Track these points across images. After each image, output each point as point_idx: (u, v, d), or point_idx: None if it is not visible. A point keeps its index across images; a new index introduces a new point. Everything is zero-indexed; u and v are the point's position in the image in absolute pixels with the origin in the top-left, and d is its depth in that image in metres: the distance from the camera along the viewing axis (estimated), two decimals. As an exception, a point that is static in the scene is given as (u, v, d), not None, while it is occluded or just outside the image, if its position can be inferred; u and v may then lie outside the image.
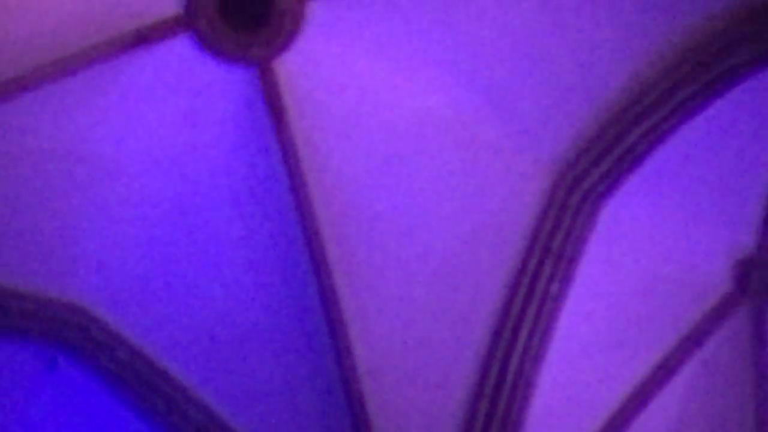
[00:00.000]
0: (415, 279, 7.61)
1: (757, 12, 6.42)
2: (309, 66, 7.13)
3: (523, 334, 7.53)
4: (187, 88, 7.21)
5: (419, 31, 7.02)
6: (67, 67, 6.98)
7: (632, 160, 7.20)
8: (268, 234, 7.62)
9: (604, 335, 7.80)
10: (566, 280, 7.47)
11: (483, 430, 7.63)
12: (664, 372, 8.12)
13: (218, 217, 7.63)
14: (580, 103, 7.14)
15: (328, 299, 7.53)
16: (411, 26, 6.99)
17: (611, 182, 7.29)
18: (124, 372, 7.93)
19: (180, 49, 7.06)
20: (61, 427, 8.51)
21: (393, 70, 7.13)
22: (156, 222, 7.63)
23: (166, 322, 7.95)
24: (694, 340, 8.15)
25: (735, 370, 8.50)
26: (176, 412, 7.98)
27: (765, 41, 6.49)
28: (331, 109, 7.24)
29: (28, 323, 7.77)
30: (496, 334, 7.58)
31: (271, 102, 7.15)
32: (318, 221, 7.40)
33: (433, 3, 6.89)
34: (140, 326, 7.91)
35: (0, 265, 7.55)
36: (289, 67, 7.09)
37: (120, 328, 7.88)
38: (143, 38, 7.03)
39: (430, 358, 7.72)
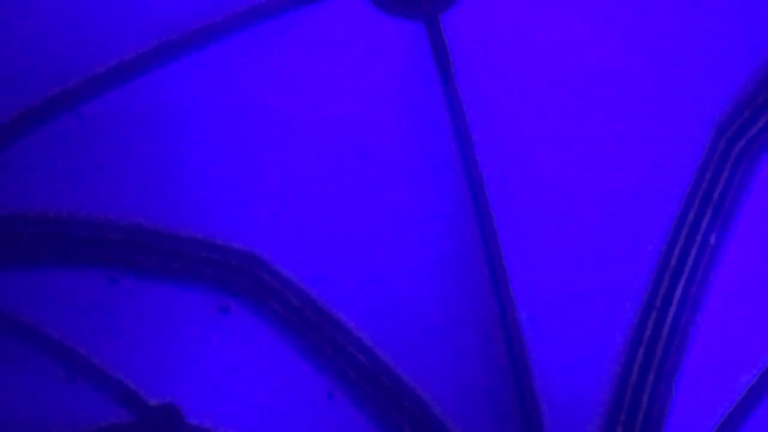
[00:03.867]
0: (575, 229, 7.64)
1: None
2: (473, 21, 7.02)
3: (681, 283, 7.55)
4: (356, 44, 7.22)
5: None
6: (242, 22, 6.97)
7: None
8: (432, 183, 7.66)
9: (759, 286, 7.73)
10: (725, 230, 7.40)
11: (640, 376, 7.69)
12: None
13: (384, 168, 7.65)
14: (741, 58, 7.00)
15: (491, 248, 7.62)
16: None
17: None
18: (292, 318, 8.18)
19: (350, 5, 7.00)
20: (231, 369, 8.81)
21: (557, 27, 7.03)
22: (326, 173, 7.69)
23: (336, 271, 8.15)
24: None
25: None
26: (343, 356, 8.24)
27: None
28: (494, 62, 7.17)
29: (203, 269, 8.03)
30: (655, 283, 7.64)
31: (438, 56, 7.10)
32: (481, 170, 7.41)
33: None
34: (311, 274, 8.12)
35: (177, 213, 7.78)
36: (454, 22, 7.00)
37: (292, 276, 8.10)
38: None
39: (589, 307, 7.80)
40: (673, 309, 7.61)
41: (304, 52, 7.24)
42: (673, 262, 7.57)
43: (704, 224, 7.43)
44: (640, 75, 7.14)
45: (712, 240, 7.41)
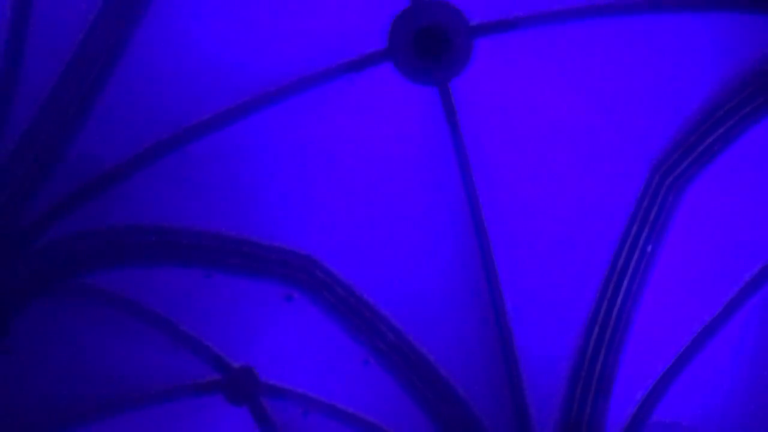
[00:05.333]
0: (548, 240, 7.93)
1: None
2: (476, 86, 7.35)
3: (626, 280, 7.80)
4: (385, 103, 7.57)
5: (554, 65, 7.21)
6: (303, 85, 7.35)
7: (710, 156, 7.28)
8: (442, 206, 7.95)
9: (684, 284, 7.96)
10: (658, 242, 7.65)
11: (595, 346, 7.94)
12: (728, 313, 8.17)
13: (406, 197, 8.01)
14: (672, 115, 7.29)
15: (486, 257, 7.91)
16: (549, 61, 7.19)
17: (695, 171, 7.39)
18: (339, 304, 8.42)
19: (382, 74, 7.37)
20: (293, 341, 9.07)
21: (536, 90, 7.33)
22: (363, 198, 8.04)
23: (371, 271, 8.40)
24: (748, 293, 8.15)
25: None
26: (375, 333, 8.46)
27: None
28: (491, 118, 7.49)
29: (273, 267, 8.26)
30: (606, 280, 7.89)
31: (448, 113, 7.46)
32: (479, 198, 7.72)
33: (565, 48, 7.08)
34: (353, 273, 8.37)
35: (255, 226, 8.09)
36: (461, 87, 7.35)
37: (338, 272, 8.36)
38: (354, 69, 7.37)
39: (558, 297, 8.05)
40: (619, 299, 7.84)
41: (348, 105, 7.57)
42: (620, 264, 7.82)
43: (643, 237, 7.69)
44: (597, 128, 7.47)
45: (649, 249, 7.69)
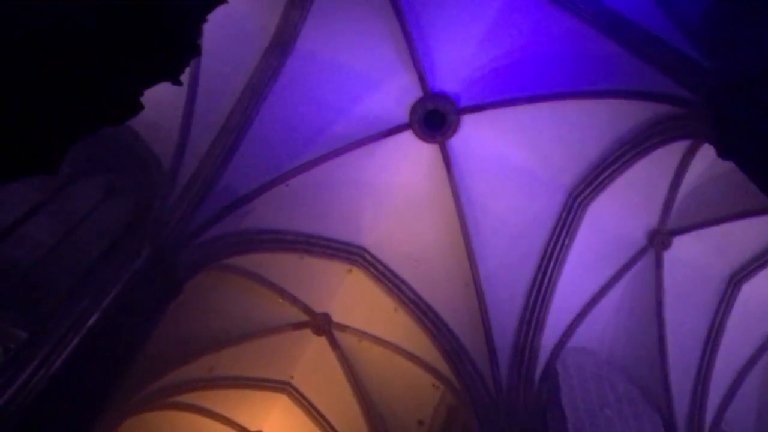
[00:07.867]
0: (506, 236, 8.70)
1: (659, 119, 7.03)
2: (463, 145, 8.35)
3: (552, 261, 8.62)
4: (407, 155, 8.55)
5: (510, 130, 8.06)
6: (353, 145, 8.29)
7: (602, 187, 8.24)
8: (442, 218, 8.78)
9: (587, 266, 8.81)
10: (571, 238, 8.57)
11: (534, 301, 8.58)
12: (608, 287, 9.00)
13: (419, 213, 8.85)
14: (581, 162, 8.16)
15: (467, 245, 8.65)
16: (507, 128, 8.05)
17: (593, 196, 8.36)
18: (380, 275, 9.26)
19: (405, 138, 8.38)
20: (355, 298, 9.53)
21: (499, 146, 8.25)
22: (394, 212, 8.88)
23: (398, 254, 9.14)
24: (625, 269, 8.96)
25: (644, 291, 9.03)
26: (402, 293, 9.19)
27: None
28: (474, 166, 8.44)
29: (339, 253, 9.18)
30: (540, 260, 8.69)
31: (445, 162, 8.45)
32: (464, 216, 8.63)
33: (518, 120, 7.89)
34: (387, 257, 9.06)
35: (329, 228, 8.96)
36: (454, 145, 8.37)
37: (379, 256, 9.25)
38: (388, 134, 8.36)
39: (512, 269, 8.70)
40: (549, 271, 8.60)
41: (384, 156, 8.50)
42: (548, 251, 8.63)
43: (563, 235, 8.55)
44: (537, 169, 8.31)
45: (566, 242, 8.59)
